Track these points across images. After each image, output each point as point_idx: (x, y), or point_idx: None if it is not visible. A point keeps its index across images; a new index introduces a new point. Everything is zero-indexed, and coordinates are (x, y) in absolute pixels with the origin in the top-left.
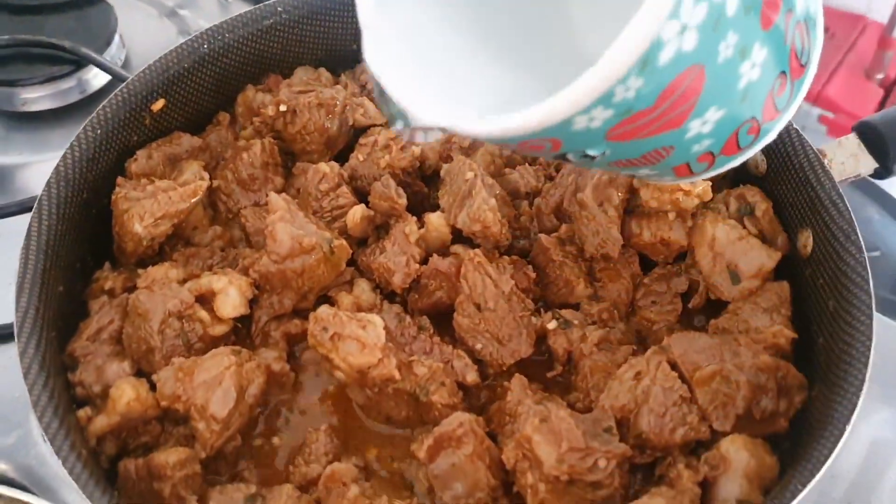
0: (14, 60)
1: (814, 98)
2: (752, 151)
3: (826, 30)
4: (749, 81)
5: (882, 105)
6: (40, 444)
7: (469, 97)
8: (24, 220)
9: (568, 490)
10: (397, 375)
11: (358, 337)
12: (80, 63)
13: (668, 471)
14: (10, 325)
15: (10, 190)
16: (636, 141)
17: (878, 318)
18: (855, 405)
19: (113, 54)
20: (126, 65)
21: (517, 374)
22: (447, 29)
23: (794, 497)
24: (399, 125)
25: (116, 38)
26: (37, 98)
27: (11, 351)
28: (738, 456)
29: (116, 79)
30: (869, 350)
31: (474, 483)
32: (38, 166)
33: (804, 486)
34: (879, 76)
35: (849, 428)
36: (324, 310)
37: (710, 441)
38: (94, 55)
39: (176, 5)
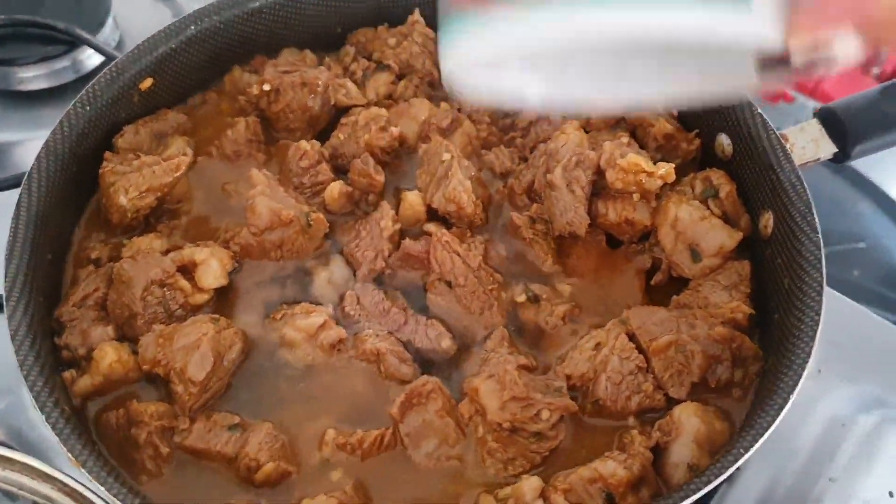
0: (10, 40)
1: (810, 91)
2: None
3: None
4: None
5: None
6: (30, 409)
7: None
8: (16, 195)
9: (513, 440)
10: (343, 333)
11: (305, 310)
12: (74, 44)
13: (623, 436)
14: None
15: (5, 166)
16: None
17: (846, 302)
18: (800, 376)
19: (107, 35)
20: (119, 46)
21: (501, 327)
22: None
23: (736, 460)
24: None
25: (110, 19)
26: (32, 77)
27: (2, 321)
28: (690, 422)
29: (109, 60)
30: (817, 325)
31: (444, 438)
32: (33, 143)
33: (747, 450)
34: (875, 71)
35: (793, 398)
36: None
37: (666, 409)
38: (87, 36)
39: None
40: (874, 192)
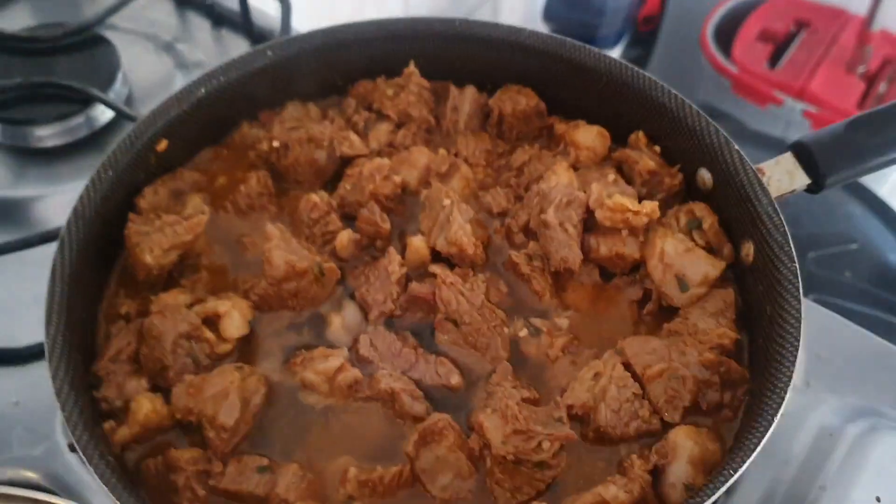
0: (28, 101)
1: (797, 93)
2: None
3: (808, 24)
4: None
5: (864, 97)
6: (66, 454)
7: None
8: (41, 250)
9: (518, 470)
10: (360, 375)
11: (323, 354)
12: (88, 101)
13: (625, 459)
14: (34, 346)
15: (27, 222)
16: None
17: (832, 317)
18: (783, 398)
19: (117, 91)
20: (129, 100)
21: (504, 362)
22: None
23: (727, 479)
24: None
25: (119, 75)
26: (49, 135)
27: (35, 370)
28: (685, 444)
29: (121, 115)
30: (797, 350)
31: (457, 472)
32: (51, 199)
33: (737, 470)
34: (861, 69)
35: (777, 418)
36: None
37: (662, 432)
38: (101, 94)
39: (173, 39)
40: (863, 194)
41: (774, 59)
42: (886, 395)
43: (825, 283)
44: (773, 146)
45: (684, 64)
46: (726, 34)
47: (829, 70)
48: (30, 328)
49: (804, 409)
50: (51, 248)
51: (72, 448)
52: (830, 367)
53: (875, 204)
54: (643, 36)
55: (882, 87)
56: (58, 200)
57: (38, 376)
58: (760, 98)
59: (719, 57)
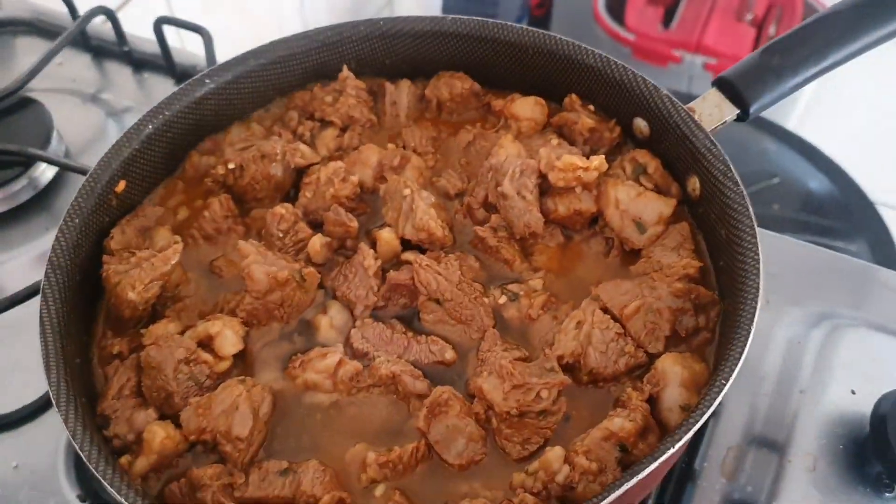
0: None
1: (694, 48)
2: None
3: None
4: None
5: (756, 42)
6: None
7: None
8: (9, 315)
9: (523, 422)
10: (359, 366)
11: (320, 353)
12: (28, 163)
13: (621, 395)
14: (21, 410)
15: None
16: None
17: (775, 236)
18: (755, 308)
19: (55, 148)
20: (67, 155)
21: (491, 328)
22: None
23: (719, 392)
24: None
25: (54, 133)
26: None
27: (28, 431)
28: (673, 370)
29: (66, 169)
30: (758, 262)
31: (469, 436)
32: (6, 265)
33: (727, 381)
34: (749, 17)
35: (753, 328)
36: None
37: (649, 363)
38: (42, 153)
39: (97, 90)
40: (774, 130)
41: (667, 21)
42: (840, 297)
43: (758, 219)
44: (684, 101)
45: (582, 39)
46: (618, 4)
47: (719, 22)
48: (14, 393)
49: (769, 325)
50: (15, 314)
51: (81, 499)
52: (784, 282)
53: (787, 137)
54: (538, 19)
55: (771, 29)
56: (14, 265)
57: (31, 437)
58: (661, 59)
59: (614, 27)
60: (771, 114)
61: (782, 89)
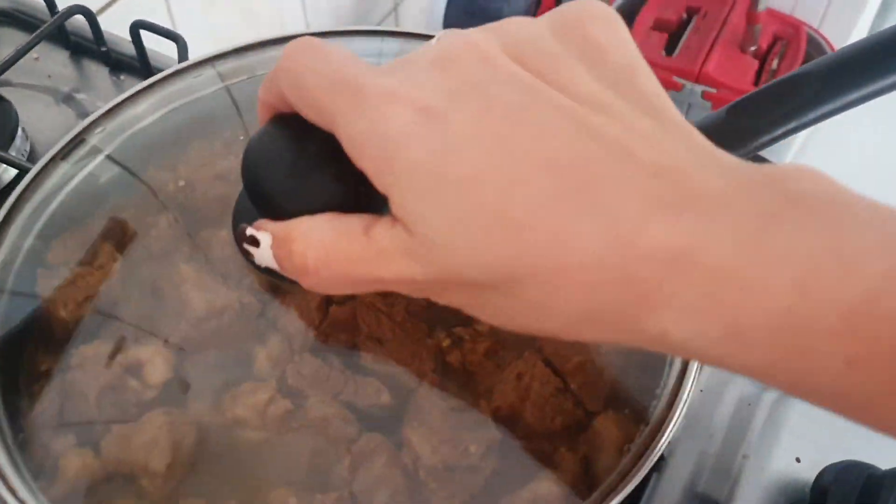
0: None
1: (695, 77)
2: None
3: (698, 10)
4: None
5: (758, 75)
6: None
7: None
8: None
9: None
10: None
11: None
12: None
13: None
14: None
15: None
16: None
17: None
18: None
19: (18, 147)
20: (32, 155)
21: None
22: None
23: (652, 458)
24: None
25: (20, 131)
26: None
27: None
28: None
29: (24, 172)
30: None
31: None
32: None
33: (659, 448)
34: (752, 48)
35: (688, 392)
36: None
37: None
38: (2, 153)
39: (72, 90)
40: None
41: (670, 47)
42: None
43: None
44: None
45: None
46: None
47: (722, 52)
48: None
49: (722, 383)
50: None
51: None
52: None
53: None
54: None
55: (774, 63)
56: None
57: None
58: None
59: None
60: (766, 153)
61: (745, 150)
